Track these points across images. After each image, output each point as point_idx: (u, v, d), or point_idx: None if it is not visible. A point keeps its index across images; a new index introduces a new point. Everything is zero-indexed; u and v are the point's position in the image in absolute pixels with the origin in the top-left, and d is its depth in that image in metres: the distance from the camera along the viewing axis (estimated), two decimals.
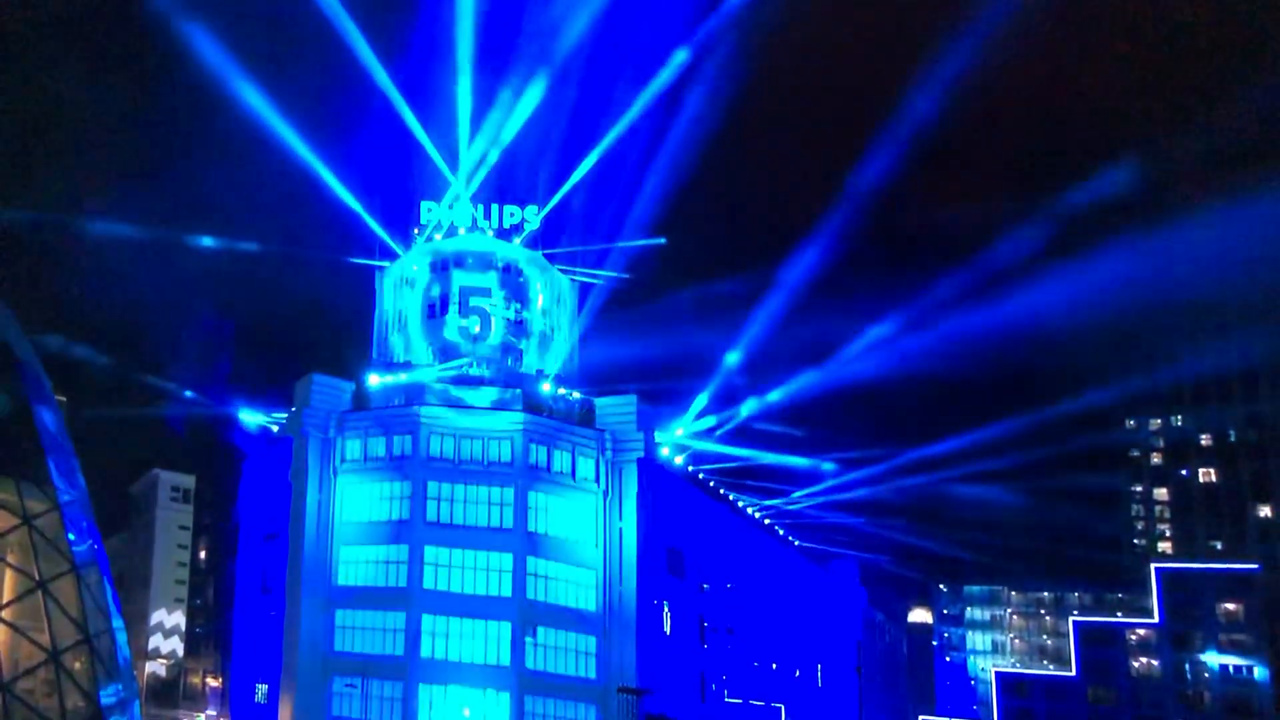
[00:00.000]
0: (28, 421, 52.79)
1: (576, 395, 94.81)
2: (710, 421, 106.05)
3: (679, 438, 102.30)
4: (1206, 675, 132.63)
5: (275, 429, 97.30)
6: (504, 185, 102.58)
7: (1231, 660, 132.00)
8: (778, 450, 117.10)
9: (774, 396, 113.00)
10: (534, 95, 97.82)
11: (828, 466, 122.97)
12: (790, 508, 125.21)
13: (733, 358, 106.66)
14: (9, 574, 48.81)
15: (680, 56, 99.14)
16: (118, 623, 52.16)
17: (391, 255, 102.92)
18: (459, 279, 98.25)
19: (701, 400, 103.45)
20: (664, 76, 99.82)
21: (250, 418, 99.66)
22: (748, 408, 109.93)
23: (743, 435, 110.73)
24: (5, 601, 48.25)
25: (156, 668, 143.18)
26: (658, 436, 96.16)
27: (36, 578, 48.19)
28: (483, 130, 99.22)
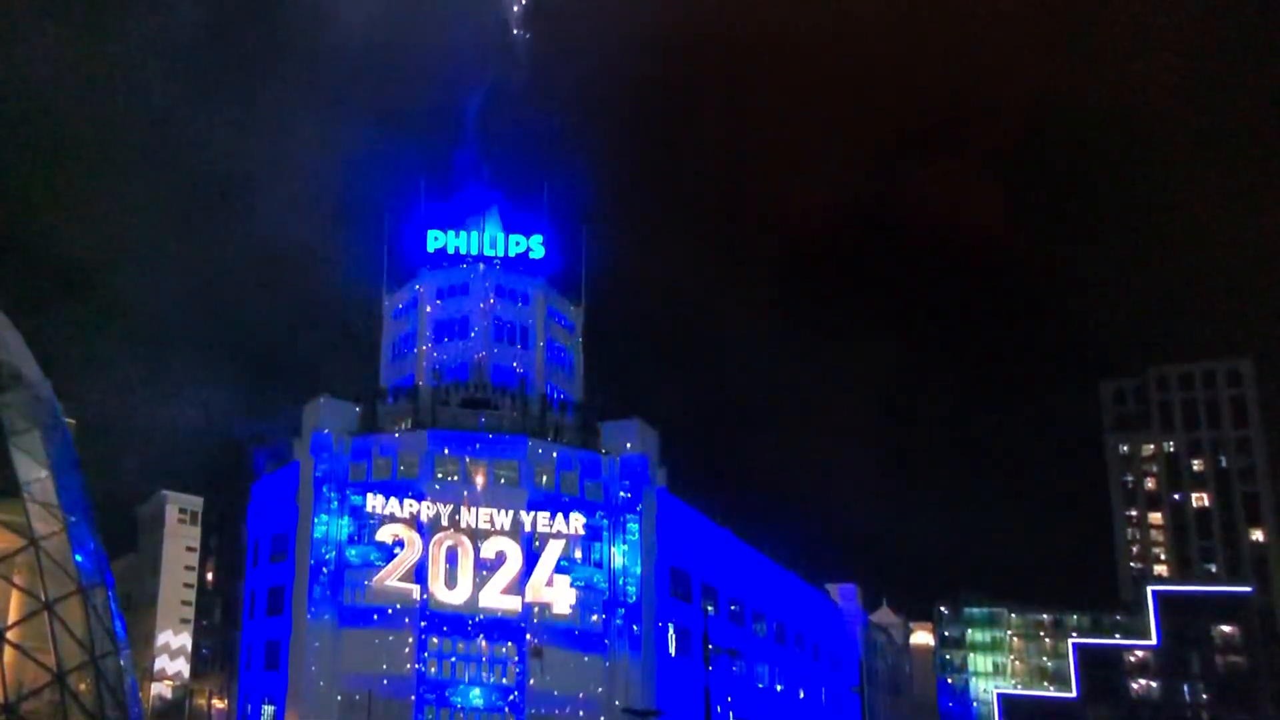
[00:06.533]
0: (35, 443, 53.14)
1: (583, 420, 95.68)
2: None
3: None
4: (1204, 696, 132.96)
5: (284, 451, 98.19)
6: (512, 212, 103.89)
7: (1228, 681, 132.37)
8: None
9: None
10: (543, 124, 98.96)
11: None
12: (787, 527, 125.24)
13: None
14: (15, 595, 49.08)
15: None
16: (124, 644, 52.46)
17: (399, 282, 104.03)
18: (464, 306, 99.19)
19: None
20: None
21: (259, 439, 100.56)
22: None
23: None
24: (11, 623, 48.49)
25: (162, 689, 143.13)
26: (662, 453, 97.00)
27: (43, 598, 48.46)
28: (492, 157, 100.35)
